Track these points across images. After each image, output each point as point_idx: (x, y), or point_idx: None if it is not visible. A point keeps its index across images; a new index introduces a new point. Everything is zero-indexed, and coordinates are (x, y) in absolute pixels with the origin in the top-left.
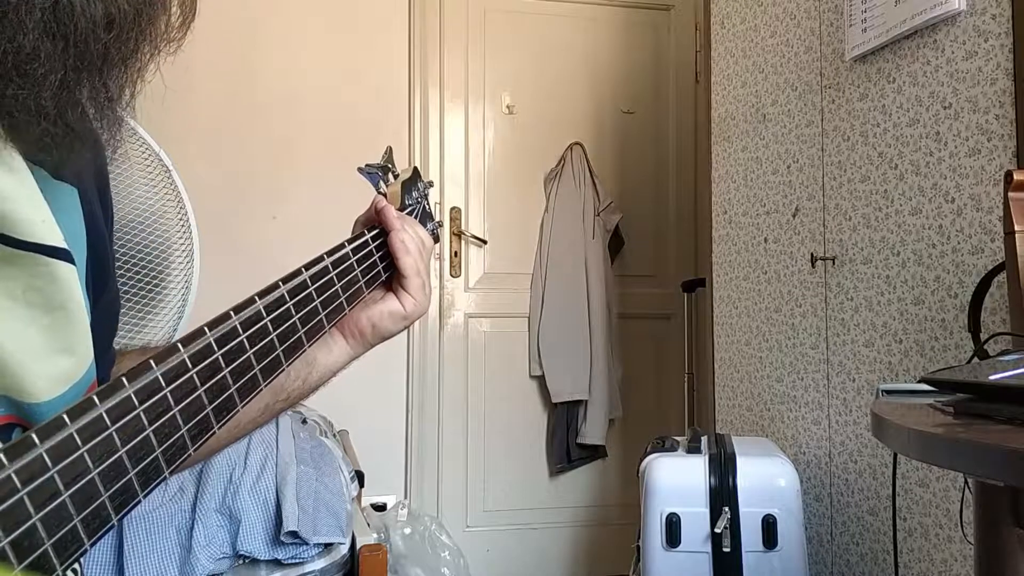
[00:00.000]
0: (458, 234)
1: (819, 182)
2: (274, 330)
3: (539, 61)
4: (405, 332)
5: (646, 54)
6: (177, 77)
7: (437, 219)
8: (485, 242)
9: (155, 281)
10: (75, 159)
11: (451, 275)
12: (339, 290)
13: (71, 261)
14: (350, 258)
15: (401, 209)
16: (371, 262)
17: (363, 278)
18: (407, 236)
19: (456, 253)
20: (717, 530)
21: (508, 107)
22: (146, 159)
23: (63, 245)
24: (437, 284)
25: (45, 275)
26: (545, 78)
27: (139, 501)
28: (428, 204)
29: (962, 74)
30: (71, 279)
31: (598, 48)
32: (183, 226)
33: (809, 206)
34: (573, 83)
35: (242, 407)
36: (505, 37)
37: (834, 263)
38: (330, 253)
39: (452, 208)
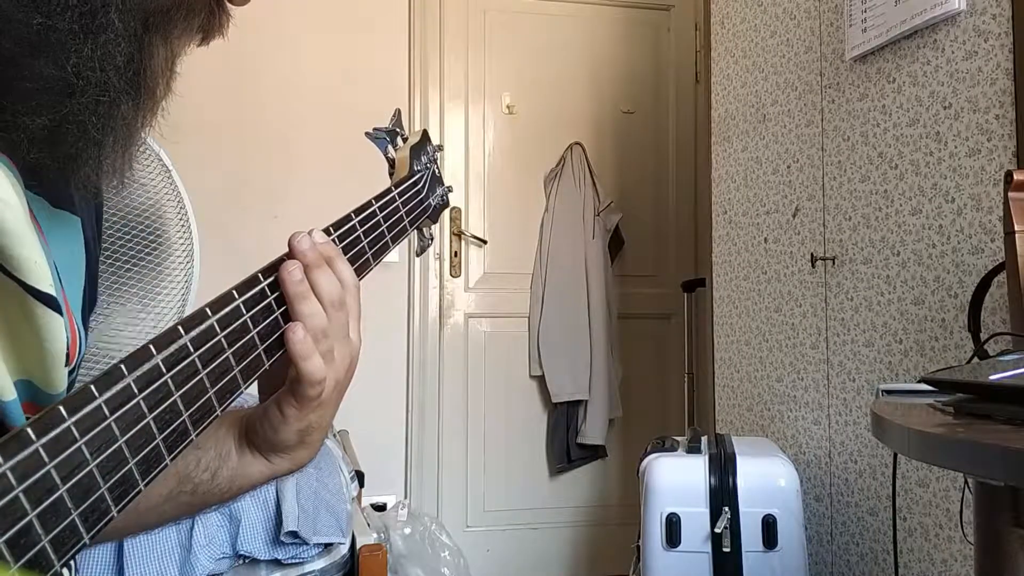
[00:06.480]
0: (458, 234)
1: (819, 182)
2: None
3: (539, 61)
4: (405, 331)
5: (646, 54)
6: (177, 77)
7: (447, 185)
8: (485, 242)
9: (155, 281)
10: (78, 190)
11: (451, 275)
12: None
13: (58, 311)
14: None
15: (410, 176)
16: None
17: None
18: (309, 309)
19: (456, 253)
20: (717, 530)
21: (508, 107)
22: (146, 159)
23: (51, 292)
24: (437, 284)
25: (22, 305)
26: (545, 78)
27: (140, 491)
28: (438, 169)
29: (962, 74)
30: (53, 327)
31: (598, 48)
32: (183, 226)
33: (809, 206)
34: (573, 83)
35: (245, 388)
36: (505, 37)
37: (834, 263)
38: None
39: (452, 208)
